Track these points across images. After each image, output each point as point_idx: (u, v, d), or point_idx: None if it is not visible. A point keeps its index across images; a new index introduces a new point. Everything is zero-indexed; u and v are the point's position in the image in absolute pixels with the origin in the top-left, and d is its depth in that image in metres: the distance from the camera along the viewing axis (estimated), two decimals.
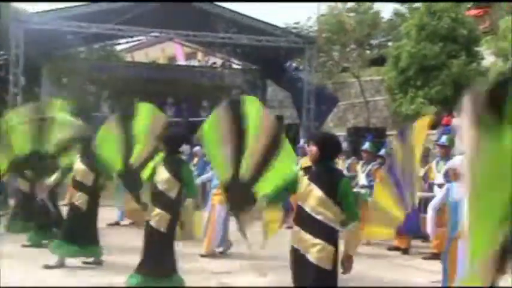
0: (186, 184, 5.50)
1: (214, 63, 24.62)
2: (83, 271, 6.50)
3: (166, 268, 5.45)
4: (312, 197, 3.95)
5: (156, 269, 5.39)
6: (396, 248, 8.52)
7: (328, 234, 3.89)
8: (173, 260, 5.51)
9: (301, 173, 4.25)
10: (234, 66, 21.89)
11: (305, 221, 3.96)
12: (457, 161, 5.26)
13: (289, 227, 4.15)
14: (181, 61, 28.90)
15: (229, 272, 6.84)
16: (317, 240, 3.86)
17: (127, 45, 24.41)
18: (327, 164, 4.08)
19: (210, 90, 18.93)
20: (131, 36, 19.47)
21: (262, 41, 16.12)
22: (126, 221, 9.79)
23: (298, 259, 3.97)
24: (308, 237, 3.91)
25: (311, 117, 16.77)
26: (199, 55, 28.93)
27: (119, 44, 22.00)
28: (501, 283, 2.50)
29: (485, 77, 16.16)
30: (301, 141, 10.87)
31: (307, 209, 3.97)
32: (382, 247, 8.73)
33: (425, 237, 9.28)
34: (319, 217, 3.90)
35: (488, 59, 16.66)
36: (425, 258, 7.89)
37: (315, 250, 3.85)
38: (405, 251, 8.41)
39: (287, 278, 4.17)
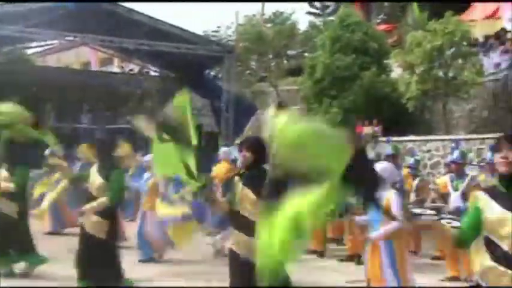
0: (110, 188, 5.40)
1: (131, 69, 24.20)
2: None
3: (110, 275, 5.36)
4: (248, 201, 4.13)
5: (100, 276, 5.30)
6: (313, 251, 8.81)
7: None
8: (118, 267, 5.44)
9: (237, 178, 4.36)
10: (152, 73, 21.65)
11: (243, 224, 4.12)
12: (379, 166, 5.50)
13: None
14: (94, 67, 28.12)
15: (151, 279, 6.78)
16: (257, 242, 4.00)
17: (39, 49, 23.42)
18: (260, 168, 4.21)
19: (127, 97, 18.56)
20: (44, 40, 18.74)
21: (181, 48, 16.11)
22: None
23: (237, 261, 4.10)
24: (247, 238, 4.04)
25: (230, 125, 16.94)
26: (116, 61, 28.30)
27: (30, 47, 21.08)
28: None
29: (393, 88, 17.08)
30: (222, 149, 11.00)
31: (244, 213, 4.14)
32: None
33: (340, 240, 9.72)
34: (255, 219, 4.05)
35: (396, 71, 17.60)
36: (341, 260, 8.23)
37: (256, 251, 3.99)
38: (321, 254, 8.72)
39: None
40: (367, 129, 16.56)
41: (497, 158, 2.98)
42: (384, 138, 12.57)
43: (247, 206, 4.12)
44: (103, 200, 5.30)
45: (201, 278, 6.83)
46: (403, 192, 8.01)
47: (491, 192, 3.05)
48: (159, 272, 7.14)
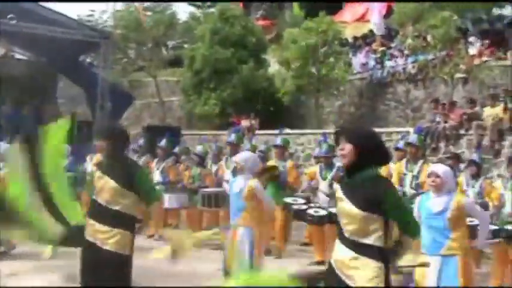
0: None
1: None
2: None
3: None
4: (107, 190, 4.06)
5: None
6: None
7: (126, 222, 4.04)
8: None
9: (94, 168, 4.31)
10: (19, 56, 20.25)
11: (101, 213, 4.05)
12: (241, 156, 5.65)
13: None
14: None
15: (16, 274, 6.40)
16: (116, 230, 3.98)
17: None
18: (120, 156, 4.23)
19: None
20: None
21: (54, 31, 15.25)
22: None
23: (94, 252, 4.03)
24: (105, 228, 4.00)
25: (105, 114, 16.39)
26: None
27: None
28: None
29: (270, 83, 17.63)
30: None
31: (102, 202, 4.09)
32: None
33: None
34: (116, 207, 4.01)
35: (274, 66, 18.18)
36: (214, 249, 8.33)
37: (114, 240, 3.95)
38: None
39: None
40: (244, 122, 16.95)
41: (337, 151, 3.10)
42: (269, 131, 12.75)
43: (106, 195, 4.08)
44: None
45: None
46: (285, 183, 8.31)
47: (342, 183, 3.17)
48: (20, 266, 6.73)
